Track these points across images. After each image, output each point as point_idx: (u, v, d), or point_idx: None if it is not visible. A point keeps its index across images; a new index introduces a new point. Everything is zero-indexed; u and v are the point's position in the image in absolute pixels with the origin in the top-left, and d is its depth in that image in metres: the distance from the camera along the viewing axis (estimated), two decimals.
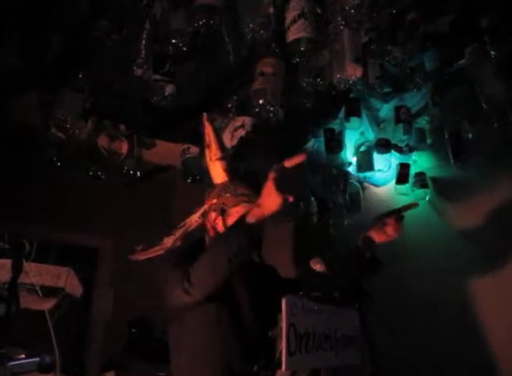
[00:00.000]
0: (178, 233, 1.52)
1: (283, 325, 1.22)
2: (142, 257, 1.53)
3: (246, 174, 1.62)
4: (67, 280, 2.85)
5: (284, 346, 1.20)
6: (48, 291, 2.40)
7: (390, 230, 1.56)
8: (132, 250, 1.54)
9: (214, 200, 1.52)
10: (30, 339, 2.04)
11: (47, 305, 2.27)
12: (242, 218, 1.30)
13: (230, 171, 1.55)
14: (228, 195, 1.50)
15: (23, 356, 1.78)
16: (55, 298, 2.34)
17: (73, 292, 2.91)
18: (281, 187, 1.19)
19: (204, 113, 1.59)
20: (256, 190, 1.50)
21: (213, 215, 1.52)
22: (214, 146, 1.56)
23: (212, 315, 1.39)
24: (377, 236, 1.58)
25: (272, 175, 1.21)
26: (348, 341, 1.51)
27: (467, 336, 2.35)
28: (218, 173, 1.55)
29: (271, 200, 1.21)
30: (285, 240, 2.82)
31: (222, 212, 1.50)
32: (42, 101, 2.05)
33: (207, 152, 1.59)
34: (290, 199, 1.21)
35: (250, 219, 1.26)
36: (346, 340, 1.49)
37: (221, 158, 1.55)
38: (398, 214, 1.58)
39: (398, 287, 2.11)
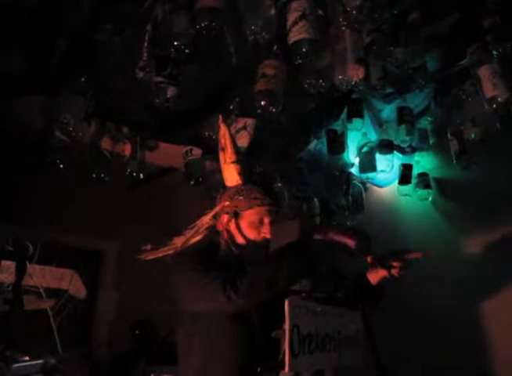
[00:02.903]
0: (189, 233, 1.51)
1: (286, 326, 1.22)
2: (150, 256, 1.52)
3: (260, 178, 1.62)
4: (71, 282, 2.87)
5: (287, 347, 1.20)
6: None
7: (394, 271, 1.53)
8: (139, 250, 1.52)
9: (227, 203, 1.51)
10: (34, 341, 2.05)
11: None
12: (305, 239, 1.42)
13: (245, 174, 1.54)
14: (241, 198, 1.49)
15: (27, 358, 1.78)
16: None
17: (76, 294, 2.93)
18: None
19: (220, 116, 1.58)
20: (268, 194, 1.51)
21: (225, 217, 1.51)
22: (229, 149, 1.54)
23: (230, 321, 1.38)
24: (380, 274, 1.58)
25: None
26: (351, 342, 1.51)
27: (466, 336, 2.35)
28: (231, 176, 1.54)
29: (358, 245, 1.39)
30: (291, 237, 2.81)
31: (235, 215, 1.50)
32: (46, 104, 2.06)
33: (220, 155, 1.57)
34: (366, 257, 1.45)
35: (329, 237, 1.40)
36: (349, 341, 1.49)
37: (236, 161, 1.54)
38: (405, 260, 1.54)
39: (399, 289, 2.11)
